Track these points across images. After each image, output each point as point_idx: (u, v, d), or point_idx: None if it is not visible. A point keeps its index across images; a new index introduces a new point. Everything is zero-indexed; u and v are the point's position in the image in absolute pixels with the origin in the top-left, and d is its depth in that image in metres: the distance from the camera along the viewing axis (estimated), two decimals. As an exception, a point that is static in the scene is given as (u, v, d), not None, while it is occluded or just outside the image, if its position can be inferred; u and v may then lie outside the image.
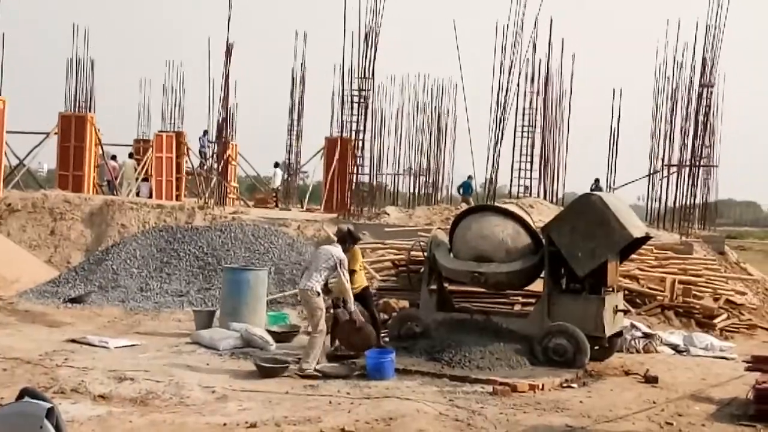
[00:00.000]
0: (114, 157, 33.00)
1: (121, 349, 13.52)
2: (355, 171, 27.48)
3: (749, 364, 12.00)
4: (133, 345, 13.95)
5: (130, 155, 33.16)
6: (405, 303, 15.93)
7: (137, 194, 29.85)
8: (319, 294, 12.02)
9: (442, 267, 13.88)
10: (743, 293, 19.84)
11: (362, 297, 13.31)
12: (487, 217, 13.74)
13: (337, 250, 12.33)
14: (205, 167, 32.58)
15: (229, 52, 29.69)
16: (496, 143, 26.91)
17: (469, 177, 32.93)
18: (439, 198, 36.63)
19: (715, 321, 16.96)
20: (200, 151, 33.83)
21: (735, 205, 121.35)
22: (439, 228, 18.13)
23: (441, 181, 37.33)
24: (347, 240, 12.90)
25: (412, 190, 37.49)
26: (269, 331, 14.60)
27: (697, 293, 17.59)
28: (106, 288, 19.06)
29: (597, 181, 33.70)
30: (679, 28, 29.67)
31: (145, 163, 31.53)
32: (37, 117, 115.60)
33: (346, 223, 15.54)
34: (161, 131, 33.65)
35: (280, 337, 14.66)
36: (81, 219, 23.29)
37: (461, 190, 34.04)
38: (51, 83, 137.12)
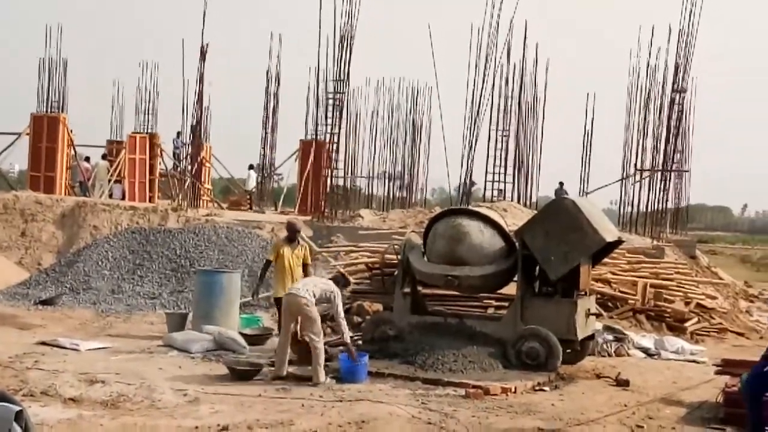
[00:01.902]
0: (87, 159, 32.79)
1: (93, 352, 13.43)
2: (329, 173, 27.45)
3: (719, 368, 12.10)
4: (105, 347, 13.86)
5: (103, 156, 32.91)
6: (379, 306, 15.95)
7: (110, 196, 29.62)
8: (313, 303, 11.91)
9: (416, 270, 13.89)
10: (714, 297, 20.02)
11: None
12: (461, 221, 13.76)
13: (333, 285, 12.20)
14: (179, 169, 32.41)
15: (203, 54, 29.59)
16: (471, 146, 26.99)
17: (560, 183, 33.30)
18: (413, 201, 36.62)
19: (686, 325, 17.09)
20: (174, 153, 33.64)
21: (706, 210, 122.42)
22: (413, 231, 18.14)
23: (415, 184, 37.38)
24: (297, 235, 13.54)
25: (386, 193, 37.47)
26: (242, 334, 14.54)
27: (669, 297, 17.73)
28: (77, 290, 18.93)
29: (561, 184, 33.83)
30: (652, 34, 29.89)
31: (118, 165, 31.29)
32: (9, 117, 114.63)
33: (296, 219, 15.66)
34: (134, 132, 33.38)
35: (253, 340, 14.60)
36: (53, 220, 23.10)
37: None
38: (23, 83, 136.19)
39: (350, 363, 11.82)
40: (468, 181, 28.04)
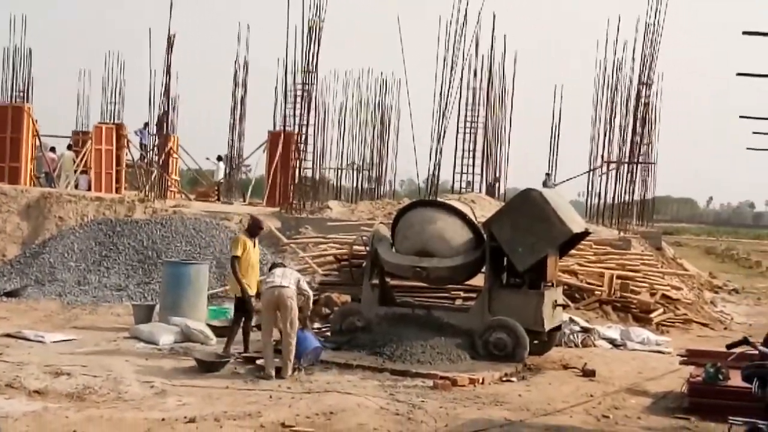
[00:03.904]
0: (52, 149, 32.35)
1: (58, 344, 13.31)
2: (297, 165, 27.36)
3: (684, 358, 12.25)
4: (70, 339, 13.74)
5: (69, 147, 32.52)
6: (347, 297, 15.93)
7: (76, 187, 29.29)
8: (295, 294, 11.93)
9: (384, 261, 13.91)
10: (679, 288, 20.24)
11: None
12: (429, 212, 13.80)
13: (299, 274, 12.53)
14: (146, 160, 32.14)
15: (170, 44, 29.34)
16: (439, 138, 27.01)
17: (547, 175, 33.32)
18: (381, 192, 36.61)
19: (652, 315, 17.27)
20: (140, 144, 33.34)
21: (672, 202, 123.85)
22: (381, 222, 18.15)
23: (384, 175, 37.35)
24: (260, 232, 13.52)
25: (355, 185, 37.43)
26: (210, 326, 14.48)
27: (635, 288, 17.89)
28: (42, 282, 18.76)
29: (548, 175, 33.86)
30: (619, 27, 30.07)
31: (84, 155, 30.96)
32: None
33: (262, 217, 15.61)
34: (101, 123, 33.04)
35: (221, 332, 14.51)
36: (17, 211, 22.79)
37: None
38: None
39: (301, 331, 11.86)
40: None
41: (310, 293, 12.39)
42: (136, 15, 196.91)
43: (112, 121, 34.42)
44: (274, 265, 12.70)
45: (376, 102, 36.83)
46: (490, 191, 31.62)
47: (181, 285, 15.25)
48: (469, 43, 28.45)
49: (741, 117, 12.63)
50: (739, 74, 11.77)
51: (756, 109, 13.63)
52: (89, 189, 28.89)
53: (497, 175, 32.92)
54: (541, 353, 13.55)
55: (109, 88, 35.72)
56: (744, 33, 10.82)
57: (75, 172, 30.50)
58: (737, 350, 7.34)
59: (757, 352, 7.08)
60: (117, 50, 53.95)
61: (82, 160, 30.82)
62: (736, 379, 9.10)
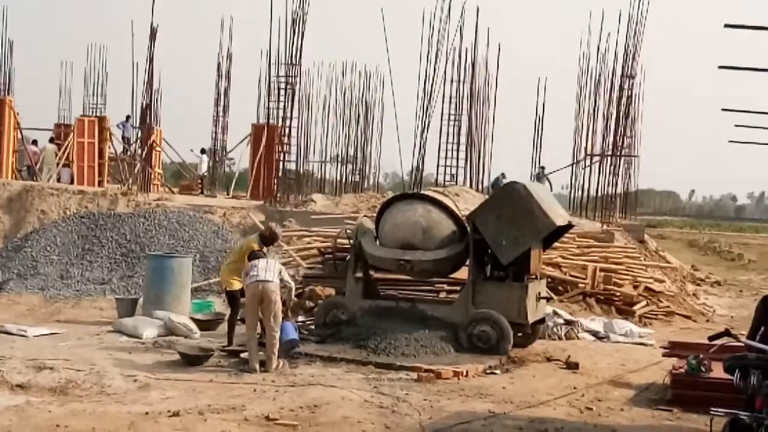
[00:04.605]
0: (34, 142, 32.18)
1: (41, 338, 13.27)
2: (281, 158, 27.32)
3: (666, 350, 12.33)
4: (53, 333, 13.70)
5: (51, 140, 32.34)
6: (331, 290, 15.93)
7: (58, 180, 29.14)
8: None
9: (368, 255, 13.91)
10: (662, 281, 20.33)
11: None
12: (413, 205, 13.80)
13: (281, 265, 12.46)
14: (129, 153, 32.00)
15: (153, 35, 29.21)
16: (423, 131, 27.03)
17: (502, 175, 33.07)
18: (365, 186, 36.57)
19: (635, 308, 17.34)
20: (123, 137, 33.20)
21: (655, 195, 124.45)
22: (365, 215, 18.14)
23: (368, 168, 37.32)
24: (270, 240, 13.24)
25: (338, 178, 37.35)
26: (193, 319, 14.47)
27: (618, 281, 17.95)
28: (24, 275, 18.66)
29: (542, 168, 33.81)
30: (602, 19, 30.18)
31: (66, 148, 30.80)
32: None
33: (271, 223, 15.54)
34: (83, 116, 32.87)
35: (205, 326, 14.53)
36: (-1, 205, 22.67)
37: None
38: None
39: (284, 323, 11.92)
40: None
41: (292, 284, 12.43)
42: (119, 7, 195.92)
43: (94, 113, 34.26)
44: (253, 254, 12.62)
45: (361, 95, 36.81)
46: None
47: (164, 278, 15.22)
48: (453, 36, 28.48)
49: (723, 110, 12.69)
50: (721, 67, 11.80)
51: (738, 102, 13.70)
52: (72, 182, 28.76)
53: (481, 167, 32.89)
54: (525, 346, 13.59)
55: (91, 81, 35.65)
56: (726, 26, 10.86)
57: (57, 165, 30.33)
58: (719, 342, 7.37)
59: (738, 343, 7.11)
60: (99, 42, 53.72)
61: (64, 153, 30.65)
62: (718, 371, 9.15)
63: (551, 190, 32.09)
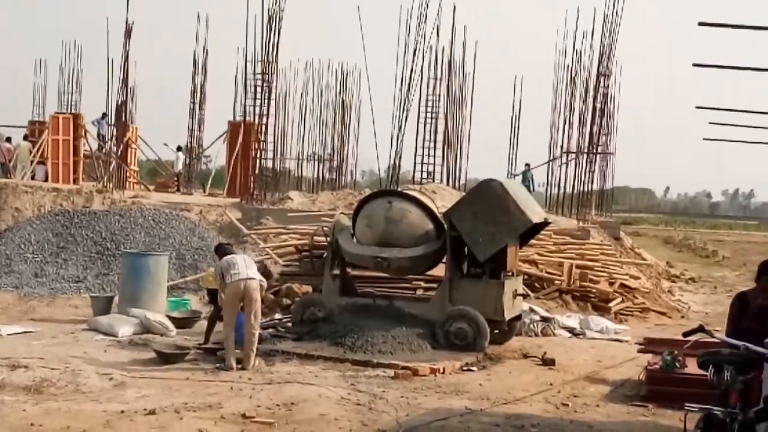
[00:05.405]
0: (8, 139, 31.91)
1: (15, 336, 13.16)
2: (258, 155, 27.25)
3: (642, 346, 12.42)
4: (27, 332, 13.59)
5: (25, 137, 32.08)
6: (308, 288, 15.92)
7: (32, 177, 28.91)
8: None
9: (346, 252, 13.90)
10: (637, 277, 20.46)
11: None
12: (390, 203, 13.79)
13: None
14: (104, 150, 31.79)
15: (128, 33, 29.01)
16: (400, 129, 27.02)
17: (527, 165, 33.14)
18: (342, 183, 36.54)
19: (611, 305, 17.44)
20: (98, 134, 32.96)
21: (630, 192, 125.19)
22: (342, 213, 18.12)
23: (345, 166, 37.28)
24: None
25: (315, 175, 37.31)
26: (170, 317, 14.41)
27: (594, 278, 18.06)
28: (-2, 274, 18.48)
29: (528, 165, 33.87)
30: (578, 17, 30.26)
31: (40, 146, 30.55)
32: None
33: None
34: (58, 113, 32.61)
35: (181, 323, 14.47)
36: (-28, 202, 22.46)
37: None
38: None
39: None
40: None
41: (269, 282, 12.34)
42: (94, 3, 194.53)
43: (69, 110, 33.98)
44: (221, 248, 12.52)
45: (337, 92, 36.76)
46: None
47: (140, 276, 15.13)
48: (430, 32, 28.48)
49: (697, 108, 12.78)
50: (695, 65, 11.90)
51: (712, 100, 13.81)
52: (46, 180, 28.54)
53: (457, 165, 32.95)
54: (502, 342, 13.64)
55: (65, 78, 35.31)
56: (700, 24, 10.94)
57: (31, 162, 30.09)
58: (693, 338, 7.42)
59: (713, 339, 7.16)
60: (74, 39, 52.82)
61: (38, 150, 30.41)
62: (692, 367, 9.24)
63: (535, 187, 32.21)
